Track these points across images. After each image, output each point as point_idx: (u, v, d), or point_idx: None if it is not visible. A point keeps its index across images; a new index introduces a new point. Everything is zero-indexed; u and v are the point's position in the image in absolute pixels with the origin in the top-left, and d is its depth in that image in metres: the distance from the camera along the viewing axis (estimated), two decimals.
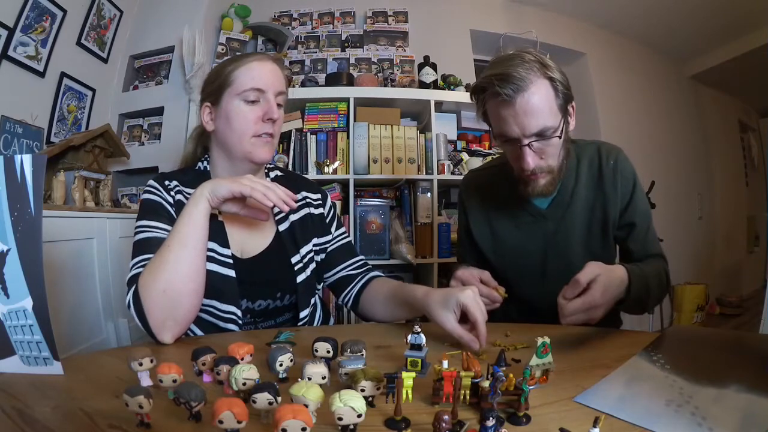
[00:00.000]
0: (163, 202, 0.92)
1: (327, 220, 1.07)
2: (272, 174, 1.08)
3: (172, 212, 0.91)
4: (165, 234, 0.86)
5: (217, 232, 0.90)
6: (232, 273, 0.89)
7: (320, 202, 1.08)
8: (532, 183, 0.98)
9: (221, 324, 0.89)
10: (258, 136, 0.94)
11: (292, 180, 1.09)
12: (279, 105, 0.96)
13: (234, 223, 0.95)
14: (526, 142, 0.91)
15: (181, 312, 0.78)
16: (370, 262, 1.12)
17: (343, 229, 1.10)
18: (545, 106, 0.89)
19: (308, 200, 1.06)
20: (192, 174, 0.99)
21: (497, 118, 0.93)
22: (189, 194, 0.93)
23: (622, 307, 0.83)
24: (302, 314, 0.96)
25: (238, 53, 2.49)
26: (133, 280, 0.79)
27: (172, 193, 0.93)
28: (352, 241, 1.09)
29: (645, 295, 0.89)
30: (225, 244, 0.91)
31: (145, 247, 0.84)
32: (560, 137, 0.92)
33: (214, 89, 0.95)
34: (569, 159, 1.03)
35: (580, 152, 1.07)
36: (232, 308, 0.88)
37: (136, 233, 0.88)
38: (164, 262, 0.77)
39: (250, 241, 0.97)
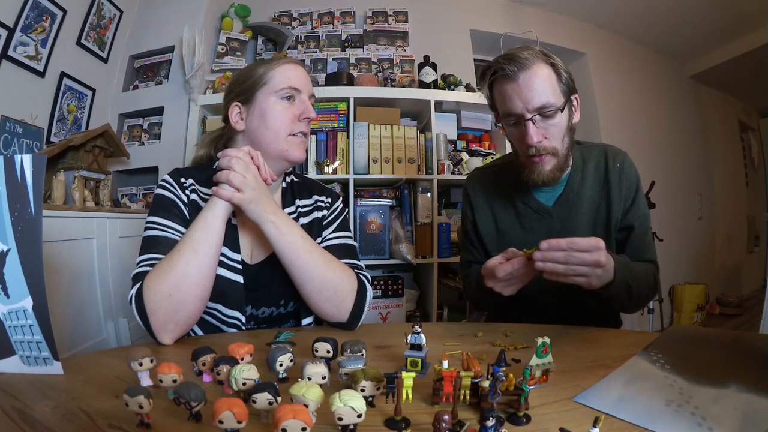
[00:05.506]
0: (177, 200, 0.90)
1: (324, 222, 1.02)
2: (288, 179, 1.05)
3: (185, 211, 0.90)
4: (174, 234, 0.85)
5: (228, 235, 0.88)
6: (239, 279, 0.88)
7: (327, 204, 1.05)
8: (538, 168, 0.98)
9: (224, 327, 0.89)
10: (294, 135, 0.94)
11: (306, 185, 1.06)
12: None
13: (246, 227, 0.93)
14: (529, 116, 0.94)
15: (184, 316, 0.77)
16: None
17: (343, 233, 1.02)
18: (547, 84, 0.94)
19: (319, 204, 1.03)
20: (209, 173, 0.94)
21: (502, 96, 0.97)
22: (204, 194, 0.92)
23: (610, 290, 0.83)
24: (304, 322, 0.94)
25: (238, 53, 2.49)
26: (138, 277, 0.79)
27: (187, 191, 0.92)
28: (355, 246, 1.04)
29: (630, 281, 0.88)
30: (236, 248, 0.90)
31: (153, 245, 0.83)
32: (562, 111, 0.96)
33: (246, 88, 0.94)
34: (575, 157, 1.04)
35: (586, 153, 1.08)
36: (237, 314, 0.88)
37: (146, 228, 0.87)
38: (173, 266, 0.77)
39: (258, 246, 0.95)
